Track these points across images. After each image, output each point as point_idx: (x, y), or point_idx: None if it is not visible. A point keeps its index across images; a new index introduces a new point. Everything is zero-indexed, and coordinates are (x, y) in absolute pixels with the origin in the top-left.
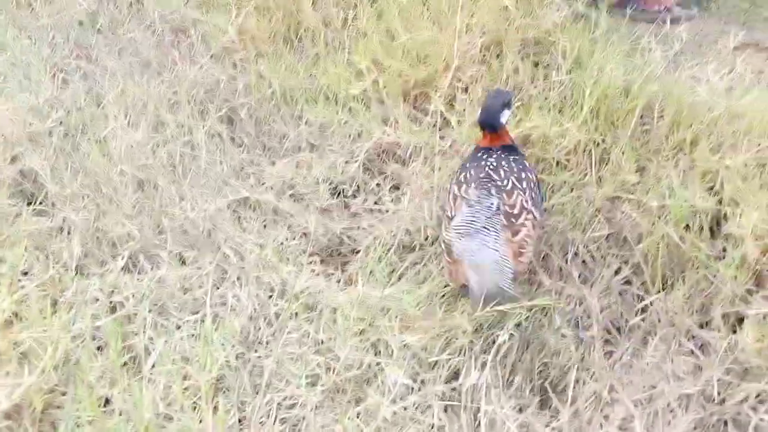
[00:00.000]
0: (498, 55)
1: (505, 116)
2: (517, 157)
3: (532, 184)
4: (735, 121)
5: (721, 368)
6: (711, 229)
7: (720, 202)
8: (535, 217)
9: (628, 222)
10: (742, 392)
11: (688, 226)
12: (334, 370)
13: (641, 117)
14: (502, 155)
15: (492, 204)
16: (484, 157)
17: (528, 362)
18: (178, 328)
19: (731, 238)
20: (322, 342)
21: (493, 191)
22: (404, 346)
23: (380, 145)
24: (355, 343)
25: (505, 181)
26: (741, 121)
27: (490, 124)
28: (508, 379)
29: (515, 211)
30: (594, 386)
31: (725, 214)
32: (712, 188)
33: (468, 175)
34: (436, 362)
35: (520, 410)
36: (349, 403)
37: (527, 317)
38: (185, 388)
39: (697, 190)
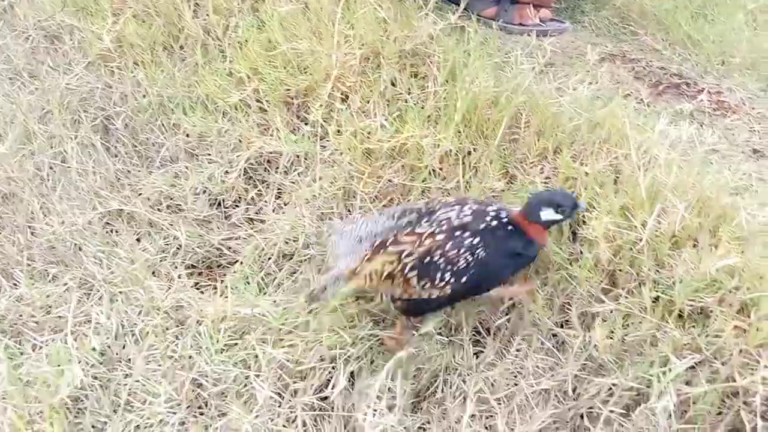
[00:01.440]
0: (377, 66)
1: (546, 215)
2: (513, 253)
3: (451, 267)
4: (595, 130)
5: (576, 365)
6: (573, 233)
7: None
8: (405, 275)
9: None
10: (595, 387)
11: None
12: (200, 386)
13: (510, 127)
14: (508, 239)
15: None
16: (492, 211)
17: (404, 369)
18: (35, 349)
19: (586, 241)
20: (190, 357)
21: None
22: (273, 358)
23: (261, 154)
24: (222, 358)
25: (438, 229)
26: (601, 129)
27: (528, 210)
28: (383, 385)
29: (390, 249)
30: (463, 387)
31: (584, 218)
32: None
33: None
34: (309, 372)
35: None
36: (212, 419)
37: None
38: (29, 413)
39: None
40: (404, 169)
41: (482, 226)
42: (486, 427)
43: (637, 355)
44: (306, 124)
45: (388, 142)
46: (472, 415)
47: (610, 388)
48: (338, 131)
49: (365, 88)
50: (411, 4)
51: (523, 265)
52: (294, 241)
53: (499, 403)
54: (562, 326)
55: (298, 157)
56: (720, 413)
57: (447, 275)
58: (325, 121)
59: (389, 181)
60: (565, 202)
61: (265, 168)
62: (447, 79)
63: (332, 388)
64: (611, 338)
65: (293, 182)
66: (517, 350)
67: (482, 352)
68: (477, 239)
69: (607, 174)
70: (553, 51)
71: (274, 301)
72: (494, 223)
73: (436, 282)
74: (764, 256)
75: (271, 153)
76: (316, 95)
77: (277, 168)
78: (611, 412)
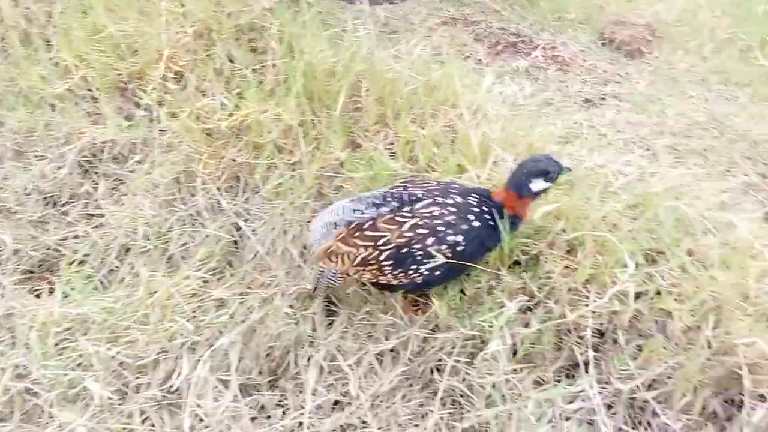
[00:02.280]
0: (212, 43)
1: (536, 186)
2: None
3: (426, 259)
4: (433, 93)
5: (418, 328)
6: None
7: (418, 170)
8: (380, 264)
9: (338, 197)
10: (438, 342)
11: None
12: (34, 394)
13: (351, 96)
14: (492, 234)
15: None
16: (475, 203)
17: (254, 348)
18: None
19: None
20: (25, 366)
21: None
22: (110, 357)
23: (94, 144)
24: (56, 362)
25: (420, 222)
26: (437, 92)
27: (517, 185)
28: (237, 368)
29: (368, 233)
30: (316, 357)
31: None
32: (411, 157)
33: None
34: (151, 365)
35: (251, 395)
36: (45, 426)
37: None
38: None
39: (400, 159)
40: (248, 147)
41: (465, 226)
42: (342, 394)
43: (478, 305)
44: (142, 108)
45: (227, 120)
46: (329, 384)
47: (453, 344)
48: (174, 114)
49: (201, 67)
50: None
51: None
52: (134, 233)
53: (352, 369)
54: None
55: (134, 144)
56: (560, 349)
57: (423, 268)
58: (160, 104)
59: (233, 160)
60: (552, 169)
61: (101, 159)
62: (286, 52)
63: (173, 380)
64: (447, 302)
65: (132, 171)
66: (368, 312)
67: (335, 320)
68: (460, 238)
69: (445, 134)
70: (395, 18)
71: (115, 298)
72: (477, 222)
73: (410, 273)
74: (588, 198)
75: (105, 143)
76: (149, 78)
77: (114, 158)
78: (457, 361)
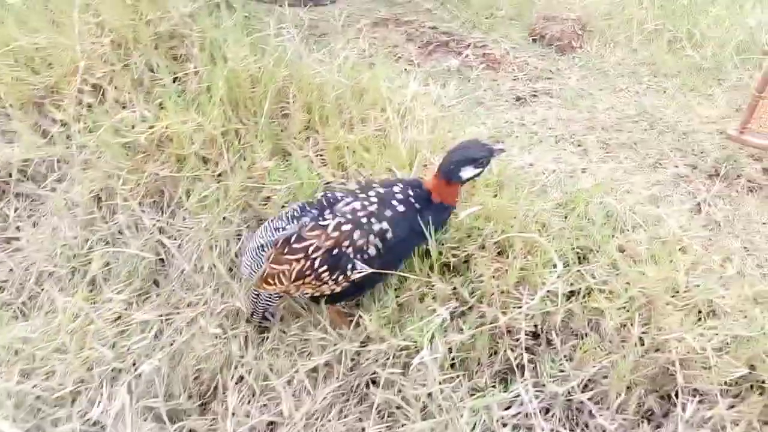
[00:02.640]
0: (131, 53)
1: (466, 173)
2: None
3: (361, 255)
4: (362, 97)
5: (357, 336)
6: None
7: (347, 176)
8: (316, 272)
9: (266, 209)
10: (371, 354)
11: None
12: None
13: (279, 102)
14: (416, 217)
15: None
16: (399, 191)
17: (182, 372)
18: None
19: None
20: None
21: (306, 216)
22: (24, 392)
23: (9, 163)
24: None
25: (343, 219)
26: (367, 96)
27: (446, 173)
28: (164, 394)
29: (296, 245)
30: (248, 378)
31: None
32: (341, 163)
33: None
34: (69, 397)
35: (180, 420)
36: None
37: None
38: None
39: (329, 166)
40: (170, 160)
41: (389, 212)
42: (276, 414)
43: (410, 313)
44: (58, 124)
45: (147, 132)
46: (263, 405)
47: (387, 353)
48: (92, 128)
49: (120, 78)
50: None
51: (435, 233)
52: (53, 256)
53: (284, 387)
54: None
55: (51, 162)
56: (495, 353)
57: (358, 264)
58: (77, 119)
59: (155, 174)
60: (481, 155)
61: (16, 179)
62: (208, 60)
63: (93, 412)
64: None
65: (50, 190)
66: (300, 327)
67: (267, 337)
68: (385, 224)
69: (376, 138)
70: (324, 20)
71: (33, 326)
72: (401, 207)
73: (348, 273)
74: (517, 198)
75: (20, 162)
76: (65, 92)
77: (30, 177)
78: (391, 373)
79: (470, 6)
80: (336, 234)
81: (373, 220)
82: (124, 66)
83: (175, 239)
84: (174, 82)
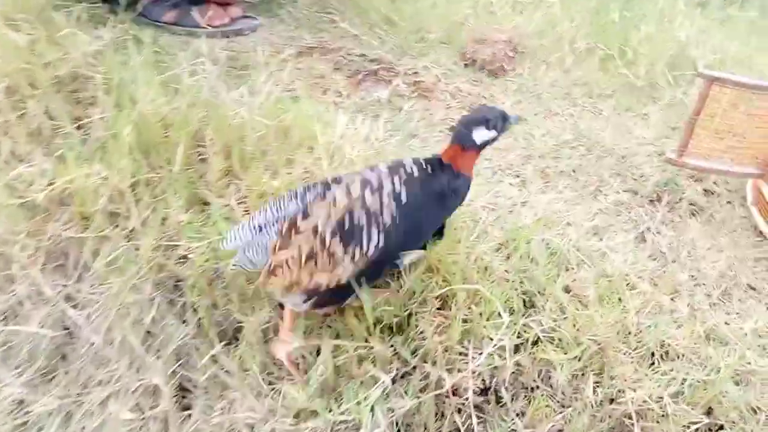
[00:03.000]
0: (27, 100)
1: (479, 135)
2: (441, 194)
3: (375, 224)
4: (287, 136)
5: (288, 412)
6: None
7: None
8: (327, 249)
9: (183, 268)
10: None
11: None
12: None
13: (195, 147)
14: (433, 179)
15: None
16: (408, 161)
17: None
18: None
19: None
20: None
21: (310, 193)
22: None
23: None
24: None
25: (352, 185)
26: (292, 135)
27: (459, 137)
28: None
29: (302, 225)
30: None
31: None
32: None
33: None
34: None
35: None
36: None
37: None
38: None
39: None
40: (74, 219)
41: (400, 173)
42: None
43: (348, 381)
44: None
45: (47, 190)
46: None
47: (323, 429)
48: None
49: (15, 128)
50: (64, 21)
51: (455, 206)
52: None
53: None
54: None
55: None
56: (442, 416)
57: (374, 233)
58: None
59: (58, 236)
60: (492, 115)
61: None
62: (115, 103)
63: None
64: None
65: None
66: (227, 401)
67: (191, 413)
68: (398, 185)
69: (304, 181)
70: (244, 52)
71: None
72: (413, 168)
73: (364, 246)
74: (458, 241)
75: None
76: None
77: None
78: None
79: (399, 30)
80: (345, 201)
81: (384, 180)
82: (20, 115)
83: (83, 308)
84: (78, 129)
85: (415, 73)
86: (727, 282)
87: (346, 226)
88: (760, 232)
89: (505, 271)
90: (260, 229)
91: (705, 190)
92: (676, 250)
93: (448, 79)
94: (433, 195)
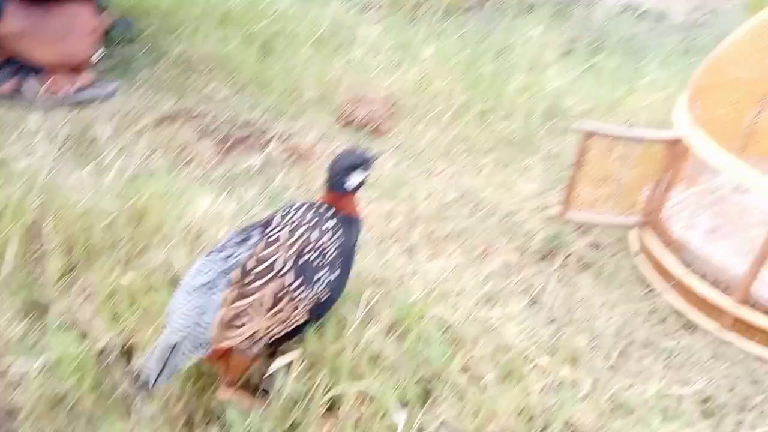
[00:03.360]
0: None
1: (351, 180)
2: (338, 233)
3: (323, 260)
4: (142, 221)
5: None
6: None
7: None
8: (290, 292)
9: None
10: None
11: None
12: None
13: (30, 242)
14: (324, 218)
15: (231, 254)
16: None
17: None
18: None
19: None
20: None
21: (249, 239)
22: None
23: None
24: None
25: (293, 225)
26: (148, 219)
27: (334, 185)
28: None
29: (258, 269)
30: None
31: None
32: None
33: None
34: None
35: None
36: None
37: None
38: None
39: (103, 319)
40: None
41: (328, 215)
42: None
43: None
44: None
45: None
46: None
47: None
48: None
49: None
50: None
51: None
52: None
53: None
54: None
55: None
56: None
57: (325, 270)
58: None
59: None
60: (361, 159)
61: None
62: None
63: None
64: None
65: None
66: None
67: None
68: (331, 223)
69: (164, 272)
70: (93, 124)
71: None
72: (330, 213)
73: (316, 284)
74: (341, 325)
75: None
76: None
77: None
78: None
79: (272, 91)
80: (295, 239)
81: (318, 221)
82: None
83: None
84: None
85: (291, 136)
86: (623, 340)
87: (300, 265)
88: (649, 283)
89: (398, 356)
90: (205, 289)
91: (591, 243)
92: (571, 312)
93: (326, 141)
94: (350, 231)
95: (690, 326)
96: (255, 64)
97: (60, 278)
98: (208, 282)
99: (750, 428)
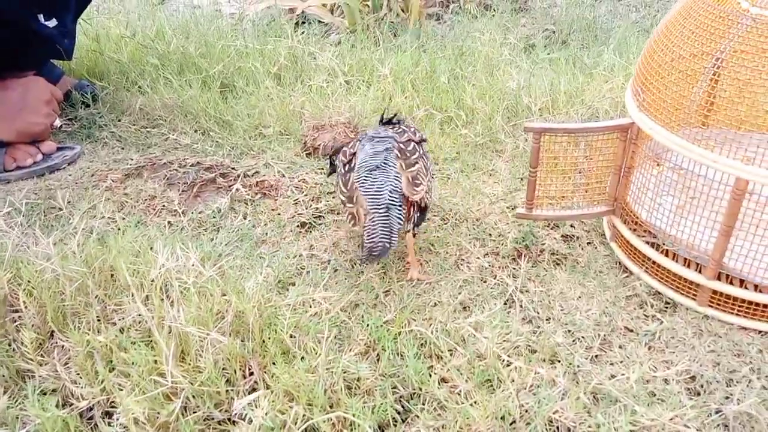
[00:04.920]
0: None
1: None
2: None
3: (421, 151)
4: (112, 279)
5: None
6: None
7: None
8: (428, 169)
9: None
10: None
11: None
12: None
13: (11, 311)
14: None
15: (388, 146)
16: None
17: None
18: None
19: None
20: None
21: (387, 140)
22: None
23: None
24: None
25: (397, 135)
26: (118, 277)
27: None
28: None
29: (409, 148)
30: None
31: None
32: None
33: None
34: None
35: None
36: None
37: None
38: None
39: (85, 378)
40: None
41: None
42: None
43: None
44: None
45: None
46: None
47: None
48: None
49: None
50: None
51: None
52: None
53: None
54: None
55: None
56: None
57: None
58: None
59: None
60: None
61: None
62: None
63: None
64: None
65: None
66: None
67: None
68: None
69: (137, 330)
70: (63, 188)
71: None
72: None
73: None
74: (313, 354)
75: None
76: None
77: None
78: None
79: (235, 130)
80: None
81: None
82: None
83: None
84: None
85: (257, 172)
86: (604, 329)
87: (423, 154)
88: (626, 268)
89: (375, 378)
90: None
91: (564, 236)
92: (548, 307)
93: (292, 173)
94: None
95: (670, 306)
96: (216, 106)
97: (39, 346)
98: (379, 165)
99: (738, 401)
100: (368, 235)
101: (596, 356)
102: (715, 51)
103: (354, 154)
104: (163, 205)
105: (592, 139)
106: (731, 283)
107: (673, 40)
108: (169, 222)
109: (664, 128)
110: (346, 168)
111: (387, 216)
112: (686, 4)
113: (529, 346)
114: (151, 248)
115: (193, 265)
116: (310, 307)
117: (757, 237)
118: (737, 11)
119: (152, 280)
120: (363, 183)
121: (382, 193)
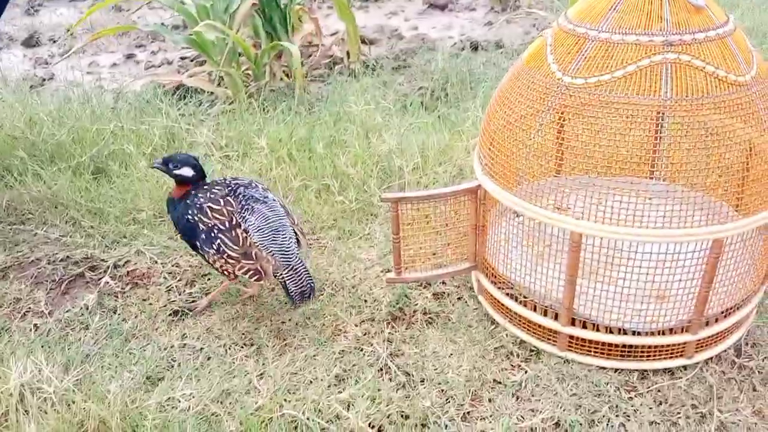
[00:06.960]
0: None
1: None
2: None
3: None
4: None
5: None
6: None
7: None
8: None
9: None
10: None
11: None
12: None
13: None
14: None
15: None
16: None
17: None
18: None
19: None
20: None
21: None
22: None
23: None
24: None
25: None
26: None
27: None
28: None
29: (284, 204)
30: None
31: None
32: None
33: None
34: None
35: None
36: None
37: None
38: None
39: None
40: None
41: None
42: None
43: None
44: None
45: None
46: None
47: None
48: None
49: None
50: None
51: None
52: None
53: None
54: None
55: None
56: None
57: None
58: None
59: None
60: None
61: None
62: None
63: None
64: None
65: None
66: None
67: None
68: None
69: None
70: None
71: None
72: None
73: None
74: None
75: None
76: None
77: None
78: None
79: (106, 218)
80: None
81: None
82: None
83: None
84: None
85: (128, 261)
86: (474, 384)
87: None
88: (493, 320)
89: None
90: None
91: (435, 294)
92: (422, 368)
93: (164, 258)
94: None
95: (534, 353)
96: (88, 194)
97: None
98: (282, 223)
99: None
100: (295, 284)
101: (468, 413)
102: (540, 111)
103: (233, 212)
104: (29, 308)
105: (446, 202)
106: (585, 326)
107: (504, 105)
108: (35, 325)
109: (504, 189)
110: (227, 226)
111: (302, 263)
112: (513, 75)
113: (402, 412)
114: (9, 360)
115: (52, 373)
116: (179, 402)
117: (599, 283)
118: (553, 80)
119: (10, 394)
120: (273, 241)
121: (291, 247)
